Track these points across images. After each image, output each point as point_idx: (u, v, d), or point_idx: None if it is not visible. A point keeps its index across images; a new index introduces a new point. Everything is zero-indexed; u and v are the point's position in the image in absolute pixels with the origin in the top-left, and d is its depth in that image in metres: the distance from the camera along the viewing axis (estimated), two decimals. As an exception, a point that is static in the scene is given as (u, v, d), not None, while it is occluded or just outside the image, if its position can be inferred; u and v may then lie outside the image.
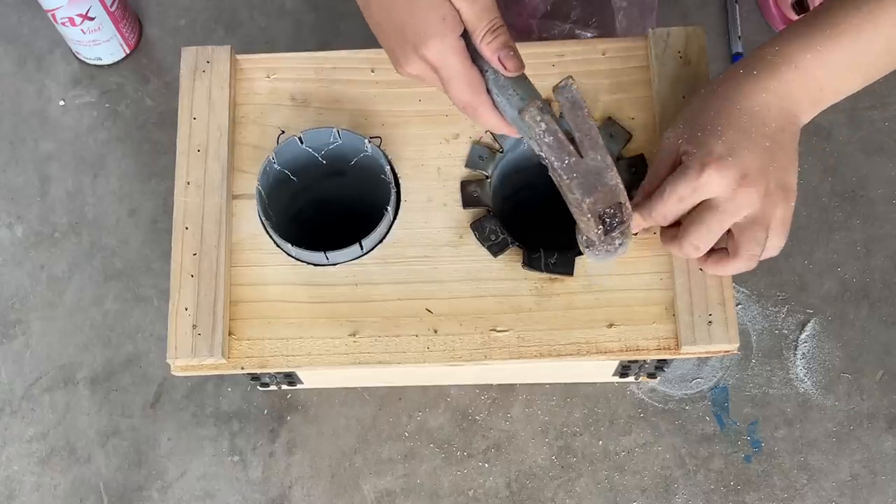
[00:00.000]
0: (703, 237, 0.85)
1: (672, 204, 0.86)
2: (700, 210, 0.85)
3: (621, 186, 0.82)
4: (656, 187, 0.88)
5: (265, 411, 1.24)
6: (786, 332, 1.25)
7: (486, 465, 1.21)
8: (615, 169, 0.81)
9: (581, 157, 0.80)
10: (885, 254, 1.27)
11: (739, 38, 1.36)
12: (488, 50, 0.80)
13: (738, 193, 0.83)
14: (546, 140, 0.79)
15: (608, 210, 0.82)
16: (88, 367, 1.27)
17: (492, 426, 1.22)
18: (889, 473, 1.19)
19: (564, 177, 0.80)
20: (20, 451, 1.24)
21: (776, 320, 1.25)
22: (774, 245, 0.88)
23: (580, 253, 0.95)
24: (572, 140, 0.80)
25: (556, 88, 0.80)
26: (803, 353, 1.23)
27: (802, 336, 1.24)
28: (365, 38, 1.39)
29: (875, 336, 1.24)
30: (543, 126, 0.79)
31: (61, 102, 1.39)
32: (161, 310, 1.29)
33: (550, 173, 0.82)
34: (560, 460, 1.21)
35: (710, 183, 0.83)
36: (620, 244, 0.87)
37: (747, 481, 1.19)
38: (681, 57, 1.00)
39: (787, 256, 1.27)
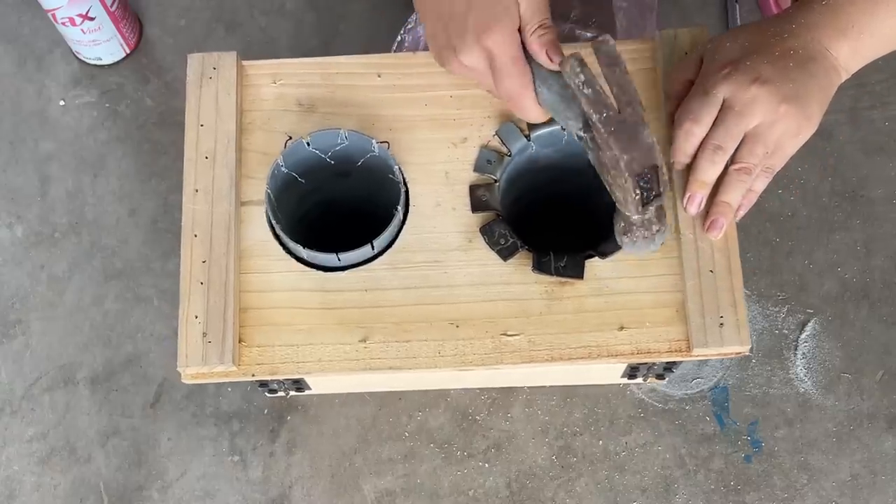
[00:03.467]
0: (722, 136, 0.90)
1: (697, 98, 0.91)
2: (719, 113, 0.91)
3: (657, 148, 0.83)
4: (675, 79, 0.97)
5: (265, 411, 1.24)
6: (786, 332, 1.25)
7: (486, 465, 1.21)
8: (650, 129, 0.82)
9: (619, 111, 0.82)
10: (885, 254, 1.28)
11: (739, 38, 1.36)
12: (538, 43, 0.84)
13: (751, 93, 0.88)
14: (585, 92, 0.81)
15: (645, 173, 0.82)
16: (88, 367, 1.27)
17: (492, 426, 1.23)
18: (889, 473, 1.19)
19: (603, 130, 0.81)
20: (20, 451, 1.24)
21: (776, 320, 1.26)
22: (771, 164, 0.92)
23: (590, 256, 0.95)
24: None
25: (594, 44, 0.82)
26: (803, 353, 1.24)
27: (802, 336, 1.25)
28: (365, 39, 1.41)
29: (875, 336, 1.25)
30: (583, 77, 0.80)
31: (61, 102, 1.39)
32: (161, 310, 1.29)
33: (585, 135, 0.84)
34: (560, 460, 1.21)
35: (724, 82, 0.90)
36: (658, 230, 0.88)
37: (747, 481, 1.20)
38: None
39: (788, 256, 1.27)
